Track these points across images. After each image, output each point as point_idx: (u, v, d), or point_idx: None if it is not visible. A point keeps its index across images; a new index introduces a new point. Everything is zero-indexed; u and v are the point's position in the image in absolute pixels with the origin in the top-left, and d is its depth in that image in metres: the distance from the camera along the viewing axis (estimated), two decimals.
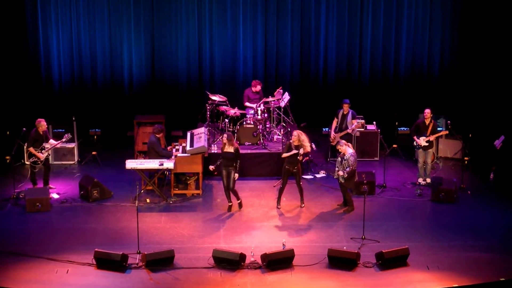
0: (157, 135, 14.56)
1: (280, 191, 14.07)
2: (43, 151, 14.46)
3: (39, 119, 14.57)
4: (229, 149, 13.73)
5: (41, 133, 14.50)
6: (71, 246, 12.31)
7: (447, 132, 15.47)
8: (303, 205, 14.05)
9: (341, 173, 13.54)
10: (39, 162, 14.48)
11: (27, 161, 14.53)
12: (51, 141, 14.77)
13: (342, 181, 13.63)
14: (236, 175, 13.78)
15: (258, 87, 16.63)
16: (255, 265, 11.63)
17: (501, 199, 14.49)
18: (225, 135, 13.82)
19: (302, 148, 13.66)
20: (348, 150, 13.58)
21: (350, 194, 14.02)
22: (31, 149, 14.41)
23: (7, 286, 10.82)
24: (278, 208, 14.01)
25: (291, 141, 13.86)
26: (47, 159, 14.72)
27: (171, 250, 11.79)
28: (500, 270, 11.43)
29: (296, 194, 14.10)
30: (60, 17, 17.92)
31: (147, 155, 14.77)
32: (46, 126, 14.65)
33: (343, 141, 13.87)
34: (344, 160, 13.53)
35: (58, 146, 15.29)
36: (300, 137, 13.71)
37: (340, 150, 13.67)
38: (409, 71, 18.69)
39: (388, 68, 18.66)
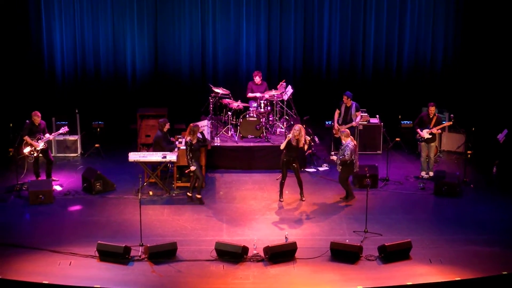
0: (163, 130, 14.54)
1: (281, 185, 14.05)
2: (39, 141, 14.48)
3: (34, 111, 14.58)
4: (195, 139, 13.77)
5: (36, 124, 14.51)
6: (74, 238, 12.33)
7: (451, 123, 15.46)
8: (303, 198, 14.05)
9: (334, 157, 13.77)
10: (35, 152, 14.49)
11: (23, 152, 14.47)
12: (47, 135, 14.79)
13: (338, 170, 13.74)
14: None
15: (257, 78, 16.52)
16: (258, 258, 11.65)
17: (503, 193, 14.47)
18: (201, 128, 13.79)
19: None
20: (348, 141, 13.62)
21: (351, 185, 14.02)
22: (26, 138, 14.44)
23: (10, 278, 10.85)
24: (280, 201, 14.02)
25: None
26: (47, 152, 14.73)
27: (174, 242, 11.80)
28: (502, 264, 11.44)
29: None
30: (64, 10, 17.89)
31: (151, 148, 14.76)
32: (40, 119, 14.59)
33: (348, 131, 13.88)
34: (341, 148, 13.60)
35: (55, 137, 15.57)
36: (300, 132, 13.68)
37: (341, 139, 13.71)
38: (412, 65, 18.63)
39: (391, 61, 18.61)
